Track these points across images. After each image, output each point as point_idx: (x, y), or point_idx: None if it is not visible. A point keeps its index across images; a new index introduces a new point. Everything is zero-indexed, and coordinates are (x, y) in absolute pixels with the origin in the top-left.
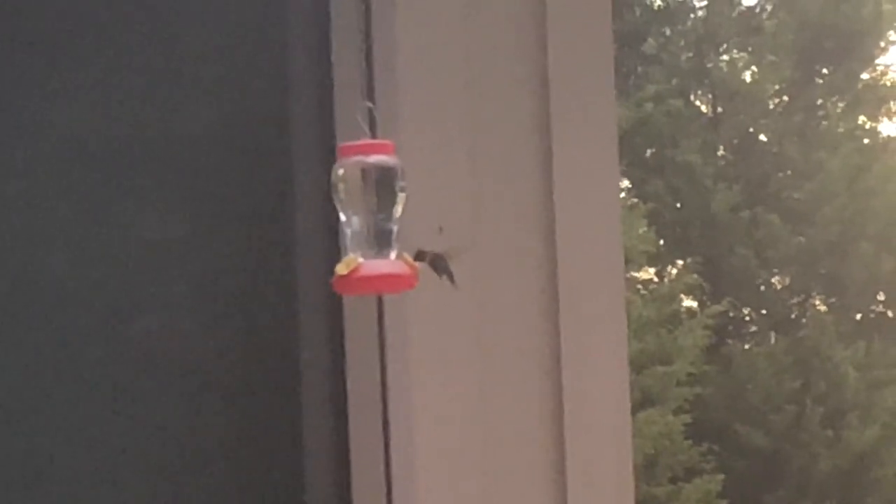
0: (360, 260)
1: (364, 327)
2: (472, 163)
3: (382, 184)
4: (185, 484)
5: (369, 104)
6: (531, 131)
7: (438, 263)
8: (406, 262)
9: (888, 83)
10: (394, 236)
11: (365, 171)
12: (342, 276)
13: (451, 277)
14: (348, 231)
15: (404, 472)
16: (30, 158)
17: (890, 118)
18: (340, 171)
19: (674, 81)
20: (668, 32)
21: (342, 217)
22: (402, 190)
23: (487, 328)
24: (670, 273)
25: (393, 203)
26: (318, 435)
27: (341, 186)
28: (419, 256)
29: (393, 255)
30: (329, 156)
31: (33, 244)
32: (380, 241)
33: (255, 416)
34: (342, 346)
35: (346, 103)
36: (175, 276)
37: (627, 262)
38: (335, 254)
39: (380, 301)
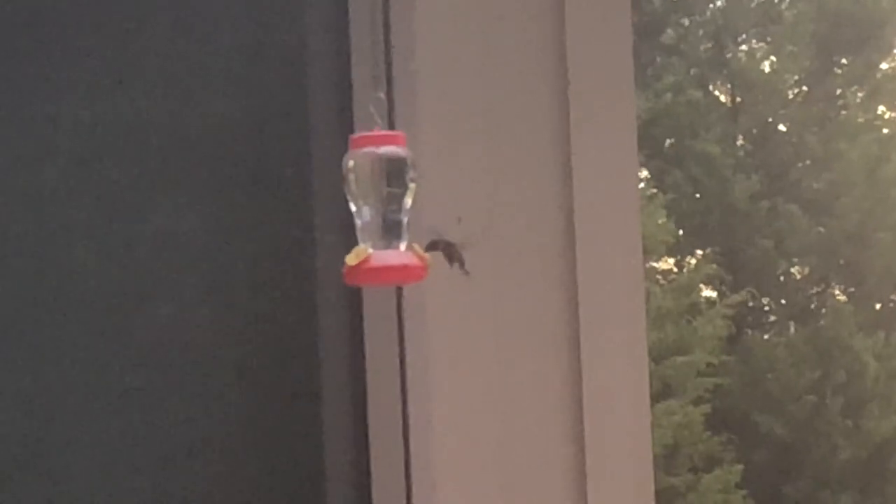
0: (370, 251)
1: (383, 318)
2: (491, 153)
3: (393, 175)
4: (199, 476)
5: (381, 95)
6: (550, 122)
7: (450, 252)
8: (416, 253)
9: None
10: (404, 227)
11: (375, 162)
12: (352, 267)
13: (462, 265)
14: (359, 222)
15: (423, 462)
16: (45, 149)
17: None
18: (351, 163)
19: (693, 72)
20: (686, 23)
21: (353, 208)
22: (413, 181)
23: (506, 318)
24: (689, 263)
25: (403, 194)
26: (336, 427)
27: (352, 177)
28: (432, 246)
29: (403, 246)
30: (346, 147)
31: (50, 235)
32: (390, 232)
33: (273, 408)
34: (361, 337)
35: (364, 95)
36: (192, 268)
37: (646, 252)
38: (354, 245)
39: (399, 292)
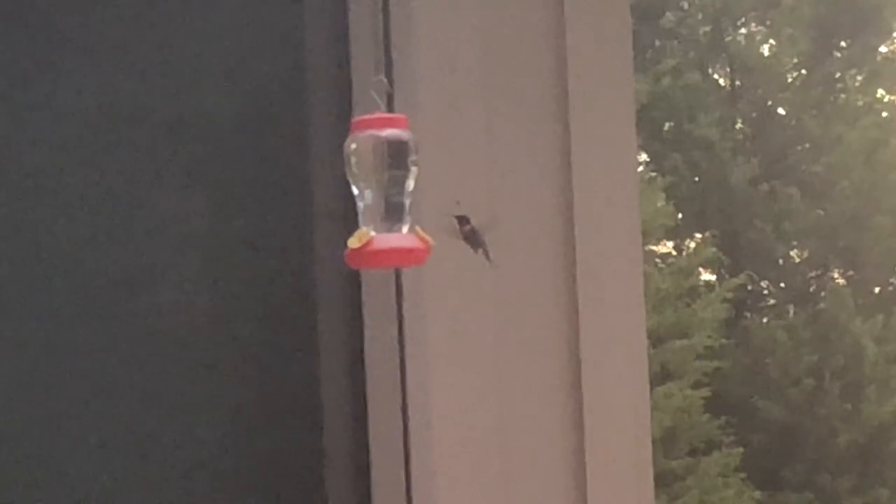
0: (373, 233)
1: (382, 302)
2: (490, 136)
3: (395, 158)
4: (195, 468)
5: (383, 78)
6: (549, 105)
7: (475, 238)
8: (418, 235)
9: None
10: (406, 210)
11: (377, 145)
12: (354, 250)
13: (486, 253)
14: (361, 205)
15: (422, 448)
16: (50, 136)
17: None
18: (353, 146)
19: (692, 55)
20: (685, 6)
21: (355, 191)
22: (415, 164)
23: (505, 302)
24: (688, 247)
25: (405, 177)
26: (336, 413)
27: (354, 160)
28: (462, 221)
29: (405, 228)
30: (346, 131)
31: (53, 221)
32: (392, 214)
33: (273, 393)
34: (360, 322)
35: (363, 78)
36: (193, 253)
37: (645, 235)
38: (353, 228)
39: (398, 276)
